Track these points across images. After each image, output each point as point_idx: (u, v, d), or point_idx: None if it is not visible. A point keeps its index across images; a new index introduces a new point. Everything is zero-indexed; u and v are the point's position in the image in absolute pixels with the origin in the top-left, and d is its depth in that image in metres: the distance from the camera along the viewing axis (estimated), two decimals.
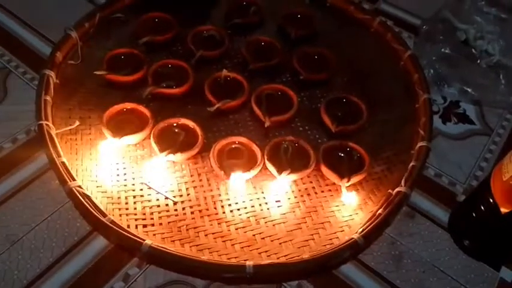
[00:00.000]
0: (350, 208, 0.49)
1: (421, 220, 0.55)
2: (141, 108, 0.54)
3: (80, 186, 0.45)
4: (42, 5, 0.79)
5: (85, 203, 0.43)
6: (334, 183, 0.51)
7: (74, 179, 0.45)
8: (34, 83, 0.66)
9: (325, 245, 0.45)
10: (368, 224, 0.45)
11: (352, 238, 0.43)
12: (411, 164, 0.50)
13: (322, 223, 0.48)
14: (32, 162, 0.56)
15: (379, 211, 0.46)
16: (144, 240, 0.42)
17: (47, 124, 0.49)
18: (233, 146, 0.53)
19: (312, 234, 0.47)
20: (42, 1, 0.79)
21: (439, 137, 0.64)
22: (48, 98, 0.53)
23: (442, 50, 0.67)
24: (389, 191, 0.48)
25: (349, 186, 0.49)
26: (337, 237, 0.46)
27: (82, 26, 0.62)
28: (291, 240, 0.46)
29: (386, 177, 0.52)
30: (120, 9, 0.67)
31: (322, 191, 0.51)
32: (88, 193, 0.45)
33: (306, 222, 0.48)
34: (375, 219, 0.45)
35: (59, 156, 0.47)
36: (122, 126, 0.52)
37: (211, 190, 0.50)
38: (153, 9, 0.66)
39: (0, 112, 0.62)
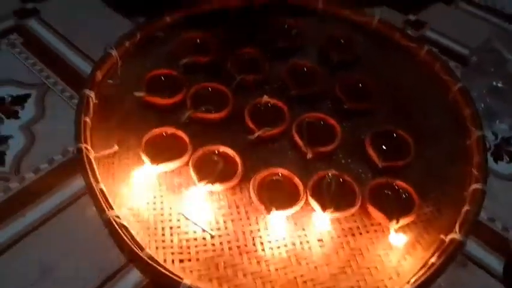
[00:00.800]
0: (398, 252, 0.46)
1: (473, 269, 0.51)
2: (180, 134, 0.53)
3: (118, 216, 0.43)
4: (83, 21, 0.79)
5: (122, 234, 0.42)
6: (379, 223, 0.48)
7: (111, 208, 0.44)
8: (73, 102, 0.65)
9: None
10: (420, 274, 0.42)
11: None
12: (465, 208, 0.47)
13: (369, 268, 0.45)
14: (68, 186, 0.55)
15: (432, 259, 0.43)
16: (182, 279, 0.40)
17: (86, 147, 0.48)
18: (274, 178, 0.50)
19: (358, 281, 0.44)
20: (83, 18, 0.80)
21: (490, 177, 0.61)
22: (87, 119, 0.52)
23: (494, 83, 0.63)
24: (442, 236, 0.45)
25: (396, 228, 0.46)
26: (386, 286, 0.43)
27: (122, 44, 0.61)
28: (334, 286, 0.43)
29: (436, 220, 0.49)
30: (161, 28, 0.66)
31: (368, 231, 0.48)
32: (125, 223, 0.44)
33: (350, 265, 0.45)
34: (427, 269, 0.42)
35: (97, 182, 0.45)
36: (160, 152, 0.51)
37: (250, 224, 0.48)
38: (194, 28, 0.65)
39: (37, 130, 0.62)
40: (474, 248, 0.53)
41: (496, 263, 0.52)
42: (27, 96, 0.66)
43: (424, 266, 0.43)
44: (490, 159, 0.62)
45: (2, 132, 0.62)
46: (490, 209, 0.57)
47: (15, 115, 0.64)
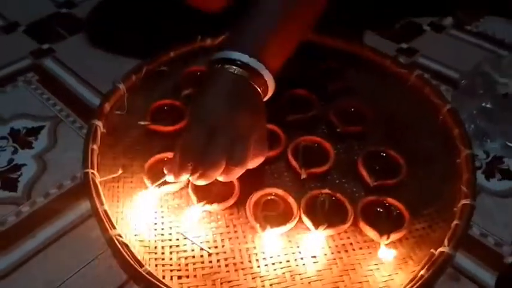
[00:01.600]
0: (390, 267, 0.47)
1: (466, 283, 0.52)
2: None
3: (119, 235, 0.46)
4: (92, 58, 0.85)
5: (123, 252, 0.44)
6: (372, 240, 0.49)
7: (114, 227, 0.46)
8: (82, 132, 0.70)
9: None
10: (409, 286, 0.43)
11: None
12: (454, 223, 0.48)
13: (361, 282, 0.46)
14: (75, 209, 0.58)
15: (421, 272, 0.44)
16: None
17: (92, 172, 0.52)
18: (269, 198, 0.53)
19: None
20: (95, 55, 0.85)
21: (482, 194, 0.62)
22: (95, 147, 0.55)
23: (483, 104, 0.65)
24: (432, 250, 0.46)
25: (388, 243, 0.48)
26: None
27: (129, 78, 0.66)
28: None
29: (428, 236, 0.50)
30: (166, 62, 0.70)
31: (360, 248, 0.49)
32: (126, 242, 0.46)
33: (343, 280, 0.46)
34: (416, 281, 0.43)
35: (101, 204, 0.48)
36: (161, 175, 0.54)
37: (246, 242, 0.49)
38: (196, 62, 0.69)
39: (49, 158, 0.66)
40: (467, 263, 0.54)
41: (488, 278, 0.52)
42: (41, 128, 0.71)
43: (413, 278, 0.44)
44: (482, 176, 0.64)
45: (16, 161, 0.66)
46: (482, 225, 0.58)
47: (29, 145, 0.68)
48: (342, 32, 0.71)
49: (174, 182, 0.48)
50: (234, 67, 0.45)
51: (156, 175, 0.54)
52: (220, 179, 0.47)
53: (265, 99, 0.50)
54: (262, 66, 0.46)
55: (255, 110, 0.47)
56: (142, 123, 0.59)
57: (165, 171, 0.47)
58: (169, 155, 0.56)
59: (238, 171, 0.46)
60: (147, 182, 0.53)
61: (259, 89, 0.47)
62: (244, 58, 0.45)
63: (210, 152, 0.43)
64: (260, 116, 0.47)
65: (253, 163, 0.47)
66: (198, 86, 0.64)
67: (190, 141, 0.45)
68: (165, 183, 0.50)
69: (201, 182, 0.46)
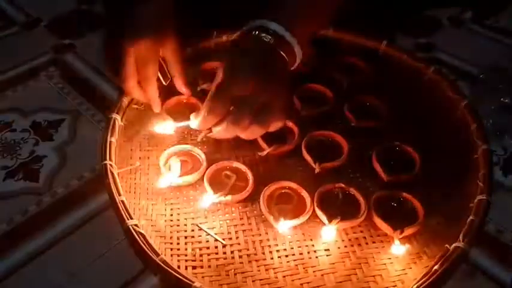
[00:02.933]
0: (403, 262, 0.47)
1: (481, 279, 0.51)
2: (196, 151, 0.57)
3: (136, 225, 0.47)
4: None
5: (140, 241, 0.45)
6: (386, 234, 0.49)
7: (131, 218, 0.48)
8: (101, 125, 0.71)
9: None
10: (423, 280, 0.42)
11: None
12: (470, 218, 0.47)
13: (374, 276, 0.46)
14: (94, 200, 0.60)
15: (435, 267, 0.43)
16: (193, 282, 0.42)
17: (110, 164, 0.53)
18: (283, 191, 0.53)
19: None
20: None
21: (500, 191, 0.61)
22: (113, 139, 0.57)
23: (502, 99, 0.64)
24: (447, 246, 0.46)
25: (402, 238, 0.48)
26: None
27: None
28: None
29: (442, 231, 0.50)
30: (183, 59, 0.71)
31: (374, 242, 0.49)
32: (143, 232, 0.47)
33: (356, 274, 0.46)
34: (430, 276, 0.43)
35: (119, 195, 0.49)
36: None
37: (260, 235, 0.50)
38: (213, 58, 0.70)
39: (69, 151, 0.68)
40: (482, 259, 0.53)
41: (504, 274, 0.52)
42: (62, 121, 0.73)
43: (427, 273, 0.44)
44: (499, 173, 0.63)
45: (38, 153, 0.68)
46: (498, 221, 0.57)
47: (50, 137, 0.70)
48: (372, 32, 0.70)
49: (196, 129, 0.52)
50: (270, 37, 0.49)
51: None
52: (242, 136, 0.50)
53: (291, 68, 0.54)
54: (295, 41, 0.50)
55: (283, 79, 0.51)
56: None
57: (192, 117, 0.50)
58: (184, 147, 0.57)
59: (260, 132, 0.50)
60: (163, 173, 0.54)
61: (287, 59, 0.51)
62: (280, 30, 0.49)
63: (239, 108, 0.47)
64: (286, 85, 0.51)
65: (274, 126, 0.51)
66: (213, 81, 0.66)
67: (222, 95, 0.48)
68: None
69: (222, 135, 0.49)
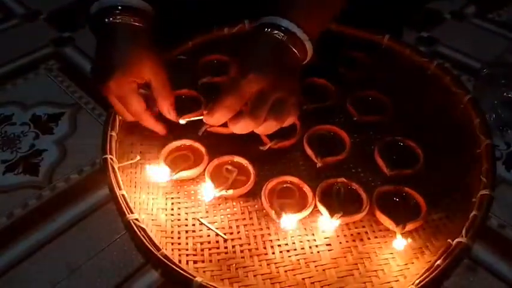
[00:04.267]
0: (405, 256, 0.47)
1: (483, 274, 0.51)
2: (197, 145, 0.57)
3: (137, 219, 0.46)
4: None
5: (140, 235, 0.45)
6: (388, 229, 0.49)
7: (132, 212, 0.47)
8: (101, 119, 0.71)
9: None
10: (425, 275, 0.42)
11: None
12: (472, 213, 0.47)
13: (376, 271, 0.46)
14: (94, 194, 0.60)
15: (438, 262, 0.43)
16: (194, 277, 0.42)
17: (111, 158, 0.53)
18: (284, 186, 0.53)
19: (365, 283, 0.45)
20: None
21: (502, 185, 0.61)
22: (113, 133, 0.56)
23: (504, 94, 0.64)
24: (449, 241, 0.46)
25: (404, 233, 0.47)
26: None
27: None
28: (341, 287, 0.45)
29: (445, 226, 0.49)
30: (183, 52, 0.71)
31: (376, 237, 0.49)
32: (144, 226, 0.47)
33: (358, 268, 0.46)
34: (432, 271, 0.42)
35: (120, 189, 0.49)
36: (178, 162, 0.55)
37: (261, 229, 0.50)
38: (214, 51, 0.69)
39: (69, 144, 0.67)
40: (484, 254, 0.53)
41: (506, 269, 0.52)
42: (61, 114, 0.73)
43: (429, 268, 0.43)
44: (502, 167, 0.62)
45: (38, 146, 0.68)
46: (501, 216, 0.57)
47: (50, 131, 0.70)
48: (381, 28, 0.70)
49: (208, 125, 0.51)
50: (282, 34, 0.49)
51: (172, 161, 0.55)
52: (257, 131, 0.49)
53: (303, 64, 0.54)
54: (306, 37, 0.50)
55: (296, 74, 0.52)
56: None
57: (205, 112, 0.50)
58: (186, 142, 0.57)
59: (276, 127, 0.49)
60: (165, 168, 0.53)
61: (299, 55, 0.51)
62: (292, 26, 0.49)
63: (255, 104, 0.48)
64: (298, 81, 0.52)
65: (288, 122, 0.51)
66: (214, 75, 0.66)
67: (238, 90, 0.48)
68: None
69: (238, 130, 0.49)
